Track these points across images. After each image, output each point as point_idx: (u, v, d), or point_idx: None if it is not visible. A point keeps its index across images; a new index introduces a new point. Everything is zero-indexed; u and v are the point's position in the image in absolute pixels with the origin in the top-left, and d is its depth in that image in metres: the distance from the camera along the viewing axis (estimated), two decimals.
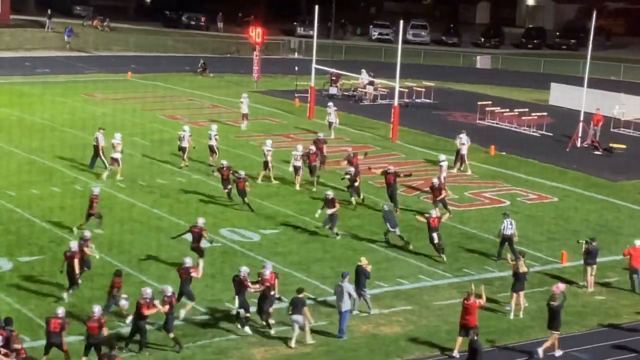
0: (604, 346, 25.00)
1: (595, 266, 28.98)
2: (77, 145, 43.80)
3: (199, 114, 52.44)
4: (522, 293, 26.72)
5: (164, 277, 27.59)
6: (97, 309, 22.94)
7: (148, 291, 23.89)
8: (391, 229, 31.48)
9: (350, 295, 25.09)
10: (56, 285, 26.99)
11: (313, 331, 24.90)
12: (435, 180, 34.75)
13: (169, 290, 24.17)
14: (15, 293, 26.71)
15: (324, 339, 24.85)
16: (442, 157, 38.81)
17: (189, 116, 50.95)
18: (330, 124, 47.41)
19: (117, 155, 38.31)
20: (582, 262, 29.32)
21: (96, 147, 38.98)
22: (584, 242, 29.36)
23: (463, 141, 41.61)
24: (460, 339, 24.09)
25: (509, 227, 30.49)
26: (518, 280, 26.63)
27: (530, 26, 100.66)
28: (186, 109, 54.18)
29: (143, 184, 37.90)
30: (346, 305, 24.93)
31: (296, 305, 24.41)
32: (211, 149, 40.47)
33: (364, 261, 26.65)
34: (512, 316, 26.54)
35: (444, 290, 28.49)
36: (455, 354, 24.11)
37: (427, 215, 30.94)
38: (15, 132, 45.13)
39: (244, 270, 25.23)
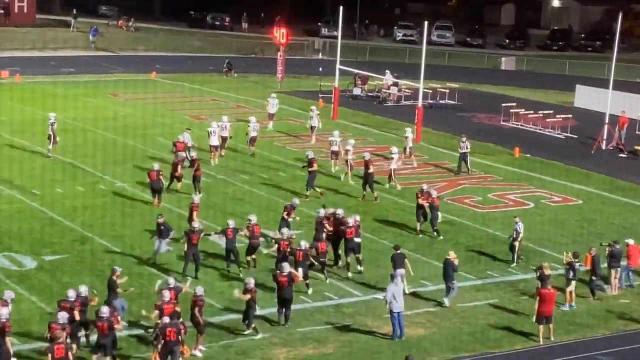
0: (628, 350, 24.89)
1: (619, 269, 28.84)
2: (102, 145, 44.03)
3: (222, 114, 52.40)
4: None
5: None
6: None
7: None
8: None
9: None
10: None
11: (336, 329, 25.16)
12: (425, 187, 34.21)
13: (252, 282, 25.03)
14: (39, 292, 26.83)
15: (346, 340, 24.82)
16: (395, 149, 39.23)
17: (213, 117, 50.97)
18: (312, 128, 46.39)
19: (216, 143, 41.19)
20: (606, 265, 29.19)
21: (187, 147, 39.82)
22: (607, 245, 29.22)
23: (407, 134, 42.66)
24: (541, 328, 24.98)
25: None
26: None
27: (556, 28, 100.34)
28: (210, 110, 54.29)
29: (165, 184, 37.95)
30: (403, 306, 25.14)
31: (395, 261, 27.01)
32: (253, 140, 43.08)
33: (452, 255, 27.27)
34: (534, 319, 26.44)
35: (467, 292, 28.39)
36: (541, 342, 24.85)
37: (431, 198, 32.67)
38: (40, 131, 45.24)
39: (305, 244, 27.30)
